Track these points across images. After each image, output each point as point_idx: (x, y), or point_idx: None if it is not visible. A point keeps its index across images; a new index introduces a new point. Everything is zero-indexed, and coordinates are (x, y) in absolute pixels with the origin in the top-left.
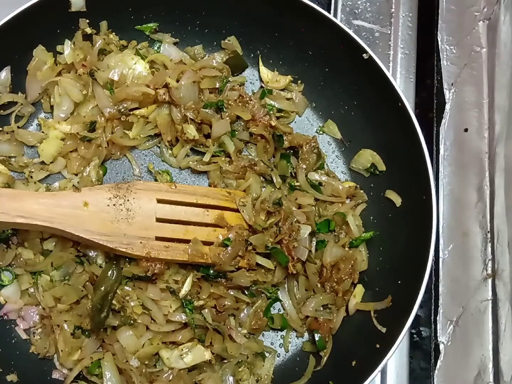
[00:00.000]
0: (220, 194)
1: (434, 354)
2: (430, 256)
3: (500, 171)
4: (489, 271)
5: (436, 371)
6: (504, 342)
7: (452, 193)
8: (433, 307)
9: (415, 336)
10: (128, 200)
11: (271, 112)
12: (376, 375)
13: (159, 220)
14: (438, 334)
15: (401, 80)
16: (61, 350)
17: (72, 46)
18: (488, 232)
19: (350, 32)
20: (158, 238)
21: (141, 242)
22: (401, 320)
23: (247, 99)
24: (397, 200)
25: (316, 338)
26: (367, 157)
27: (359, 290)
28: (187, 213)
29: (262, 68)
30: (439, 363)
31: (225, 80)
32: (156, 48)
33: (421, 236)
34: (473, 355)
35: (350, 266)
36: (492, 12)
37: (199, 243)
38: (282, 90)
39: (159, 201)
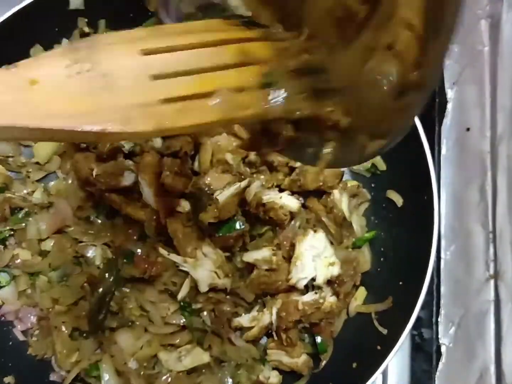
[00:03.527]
0: (227, 24)
1: (436, 356)
2: (432, 257)
3: (502, 171)
4: (492, 272)
5: (437, 373)
6: (507, 344)
7: (454, 193)
8: (434, 308)
9: (416, 337)
10: (96, 62)
11: None
12: (377, 377)
13: (156, 77)
14: (439, 336)
15: None
16: (59, 352)
17: None
18: (491, 232)
19: None
20: (166, 101)
21: (142, 112)
22: (403, 321)
23: None
24: (398, 200)
25: (318, 341)
26: None
27: (361, 292)
28: (192, 57)
29: None
30: (440, 365)
31: None
32: None
33: (422, 237)
34: (475, 357)
35: (352, 268)
36: (495, 10)
37: (227, 91)
38: None
39: (146, 53)
